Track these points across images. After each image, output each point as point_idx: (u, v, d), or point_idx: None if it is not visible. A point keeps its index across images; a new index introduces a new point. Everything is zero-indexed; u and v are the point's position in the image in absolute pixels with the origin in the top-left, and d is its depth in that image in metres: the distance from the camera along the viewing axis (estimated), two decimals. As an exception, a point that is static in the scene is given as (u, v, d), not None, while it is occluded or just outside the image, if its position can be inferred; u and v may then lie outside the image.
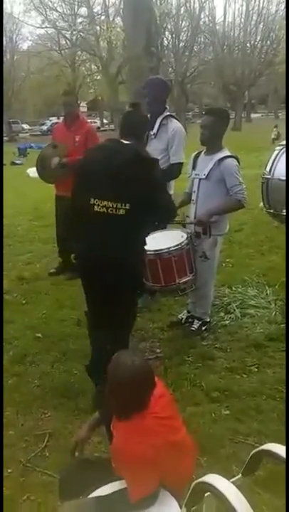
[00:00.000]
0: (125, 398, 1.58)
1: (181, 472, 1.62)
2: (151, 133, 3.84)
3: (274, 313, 3.90)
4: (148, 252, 3.31)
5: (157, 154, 3.82)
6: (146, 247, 3.31)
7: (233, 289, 4.39)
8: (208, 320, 3.70)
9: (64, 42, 38.76)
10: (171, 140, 3.79)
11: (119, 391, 1.58)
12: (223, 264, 4.96)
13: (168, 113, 3.87)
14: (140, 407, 1.59)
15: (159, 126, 3.82)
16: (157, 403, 1.64)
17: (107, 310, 2.56)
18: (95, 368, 2.66)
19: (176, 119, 3.93)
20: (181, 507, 1.45)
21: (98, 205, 2.40)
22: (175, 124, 3.83)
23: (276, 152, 3.08)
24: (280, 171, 2.93)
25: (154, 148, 3.86)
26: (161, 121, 3.82)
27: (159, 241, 3.40)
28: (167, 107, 3.95)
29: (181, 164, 3.86)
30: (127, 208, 2.38)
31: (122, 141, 2.55)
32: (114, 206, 2.38)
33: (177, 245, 3.28)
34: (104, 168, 2.44)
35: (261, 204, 3.78)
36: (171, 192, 4.05)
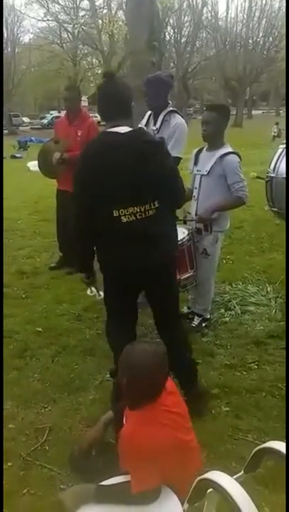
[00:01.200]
0: (141, 385, 1.60)
1: (184, 475, 1.62)
2: (154, 128, 3.82)
3: (274, 310, 3.91)
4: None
5: None
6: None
7: (234, 285, 4.39)
8: (208, 316, 3.70)
9: (66, 35, 38.60)
10: (172, 134, 3.77)
11: (135, 377, 1.60)
12: (224, 261, 4.96)
13: (171, 108, 3.84)
14: (153, 395, 1.62)
15: (162, 121, 3.79)
16: (168, 398, 1.67)
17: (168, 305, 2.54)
18: None
19: (180, 115, 3.90)
20: (182, 504, 1.46)
21: (124, 214, 2.14)
22: (178, 120, 3.80)
23: (280, 151, 3.07)
24: (283, 170, 2.91)
25: None
26: (164, 116, 3.79)
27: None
28: (170, 102, 3.92)
29: (178, 159, 3.83)
30: (157, 205, 2.18)
31: (118, 130, 2.22)
32: (143, 210, 2.15)
33: (178, 241, 3.26)
34: (116, 172, 2.14)
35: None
36: None
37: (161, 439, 1.58)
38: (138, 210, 2.16)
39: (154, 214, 2.19)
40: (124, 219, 2.15)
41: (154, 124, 3.82)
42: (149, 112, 3.97)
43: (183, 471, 1.65)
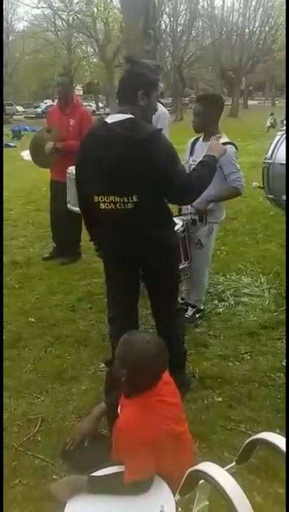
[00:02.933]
0: (142, 374, 1.62)
1: (176, 465, 1.62)
2: None
3: (268, 301, 3.91)
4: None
5: None
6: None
7: (228, 277, 4.39)
8: (202, 307, 3.70)
9: (60, 23, 38.16)
10: (156, 124, 3.75)
11: (137, 367, 1.61)
12: (218, 252, 4.96)
13: None
14: (151, 384, 1.64)
15: None
16: (164, 388, 1.68)
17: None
18: None
19: (162, 104, 3.89)
20: (174, 494, 1.46)
21: (104, 202, 2.23)
22: (160, 109, 3.79)
23: (277, 138, 3.04)
24: (281, 156, 2.89)
25: None
26: None
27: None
28: None
29: None
30: (135, 200, 2.18)
31: (110, 119, 2.26)
32: (122, 201, 2.20)
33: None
34: (99, 161, 2.22)
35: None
36: None
37: (156, 428, 1.59)
38: (118, 200, 2.21)
39: (132, 208, 2.20)
40: (102, 205, 2.25)
41: None
42: None
43: (175, 462, 1.65)
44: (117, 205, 2.21)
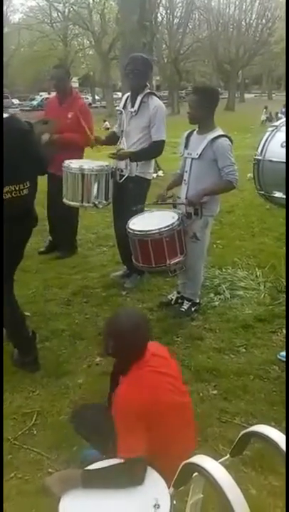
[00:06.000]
0: (123, 341, 1.73)
1: (179, 444, 1.70)
2: (132, 110, 3.80)
3: (263, 294, 3.92)
4: (138, 233, 3.29)
5: (138, 132, 3.81)
6: (136, 228, 3.31)
7: (223, 270, 4.39)
8: (197, 301, 3.70)
9: (56, 15, 37.81)
10: (153, 118, 3.75)
11: (117, 334, 1.75)
12: (214, 246, 4.95)
13: (148, 90, 3.84)
14: (137, 354, 1.75)
15: (140, 103, 3.77)
16: (152, 359, 1.77)
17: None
18: None
19: (157, 97, 3.89)
20: (168, 487, 1.46)
21: (7, 192, 2.55)
22: (156, 102, 3.79)
23: (267, 134, 3.04)
24: (270, 153, 2.89)
25: (135, 126, 3.83)
26: (142, 98, 3.77)
27: (150, 222, 3.37)
28: (148, 84, 3.90)
29: (163, 142, 3.83)
30: (28, 185, 2.61)
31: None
32: (17, 188, 2.56)
33: (168, 226, 3.24)
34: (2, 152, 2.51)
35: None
36: (151, 171, 4.07)
37: (152, 399, 1.65)
38: (13, 189, 2.55)
39: (28, 194, 2.61)
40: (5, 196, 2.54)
41: (132, 106, 3.80)
42: (126, 94, 3.97)
43: (180, 435, 1.73)
44: (13, 193, 2.59)
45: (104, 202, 3.87)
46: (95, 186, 3.76)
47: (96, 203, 3.78)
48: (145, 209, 3.70)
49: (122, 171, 3.87)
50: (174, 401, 1.76)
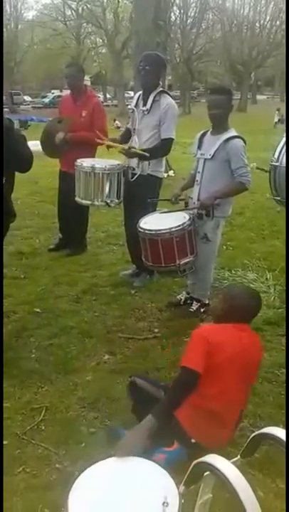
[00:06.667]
0: (236, 307, 2.12)
1: (231, 394, 2.00)
2: (144, 109, 3.79)
3: (273, 297, 3.91)
4: (149, 232, 3.30)
5: (149, 130, 3.80)
6: (147, 227, 3.32)
7: (233, 272, 4.39)
8: (207, 302, 3.70)
9: (69, 13, 37.93)
10: (164, 116, 3.73)
11: (235, 301, 2.14)
12: (224, 247, 4.95)
13: (161, 89, 3.82)
14: (239, 320, 2.09)
15: (152, 102, 3.76)
16: (245, 336, 2.09)
17: None
18: None
19: (169, 95, 3.87)
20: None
21: None
22: (168, 100, 3.78)
23: (284, 140, 3.02)
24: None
25: (146, 125, 3.82)
26: (154, 97, 3.76)
27: (162, 221, 3.37)
28: (160, 83, 3.89)
29: (171, 140, 3.81)
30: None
31: None
32: None
33: (179, 226, 3.25)
34: None
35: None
36: (162, 170, 4.03)
37: (218, 339, 1.95)
38: None
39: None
40: None
41: (144, 105, 3.79)
42: (138, 93, 3.96)
43: (236, 391, 2.01)
44: None
45: (116, 201, 3.88)
46: (107, 185, 3.77)
47: (108, 201, 3.80)
48: (157, 208, 3.71)
49: (133, 169, 3.86)
50: (237, 359, 1.97)
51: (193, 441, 1.96)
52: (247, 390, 2.16)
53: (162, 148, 3.81)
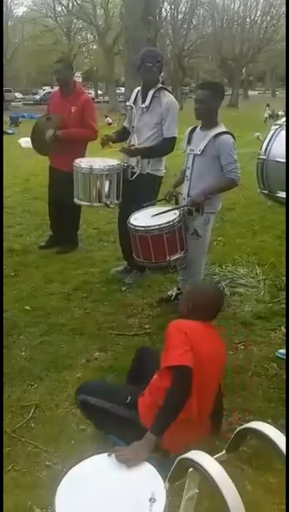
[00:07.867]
0: (201, 305, 2.07)
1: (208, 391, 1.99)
2: (143, 106, 3.75)
3: (262, 292, 3.92)
4: (139, 228, 3.29)
5: (150, 128, 3.76)
6: (137, 223, 3.31)
7: (224, 267, 4.40)
8: (197, 297, 3.69)
9: (60, 9, 37.70)
10: (165, 114, 3.70)
11: (198, 298, 2.11)
12: (214, 243, 4.95)
13: (160, 85, 3.78)
14: (205, 317, 2.06)
15: (152, 98, 3.72)
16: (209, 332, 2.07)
17: None
18: None
19: (169, 92, 3.84)
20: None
21: None
22: (168, 98, 3.74)
23: (272, 132, 3.00)
24: (275, 152, 2.87)
25: (146, 123, 3.78)
26: (154, 93, 3.72)
27: (151, 218, 3.36)
28: (160, 79, 3.86)
29: (174, 139, 3.78)
30: None
31: None
32: None
33: (169, 222, 3.24)
34: None
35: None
36: (162, 168, 3.99)
37: (196, 336, 1.88)
38: None
39: None
40: None
41: (143, 102, 3.76)
42: (137, 89, 3.91)
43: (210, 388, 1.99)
44: None
45: (116, 201, 3.85)
46: (106, 186, 3.73)
47: (107, 202, 3.77)
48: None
49: (133, 168, 3.81)
50: (212, 355, 1.94)
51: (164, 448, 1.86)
52: (217, 388, 2.13)
53: (166, 146, 3.76)
